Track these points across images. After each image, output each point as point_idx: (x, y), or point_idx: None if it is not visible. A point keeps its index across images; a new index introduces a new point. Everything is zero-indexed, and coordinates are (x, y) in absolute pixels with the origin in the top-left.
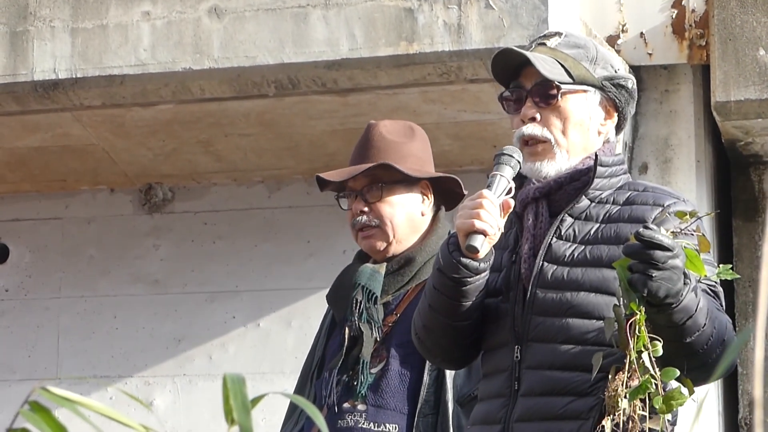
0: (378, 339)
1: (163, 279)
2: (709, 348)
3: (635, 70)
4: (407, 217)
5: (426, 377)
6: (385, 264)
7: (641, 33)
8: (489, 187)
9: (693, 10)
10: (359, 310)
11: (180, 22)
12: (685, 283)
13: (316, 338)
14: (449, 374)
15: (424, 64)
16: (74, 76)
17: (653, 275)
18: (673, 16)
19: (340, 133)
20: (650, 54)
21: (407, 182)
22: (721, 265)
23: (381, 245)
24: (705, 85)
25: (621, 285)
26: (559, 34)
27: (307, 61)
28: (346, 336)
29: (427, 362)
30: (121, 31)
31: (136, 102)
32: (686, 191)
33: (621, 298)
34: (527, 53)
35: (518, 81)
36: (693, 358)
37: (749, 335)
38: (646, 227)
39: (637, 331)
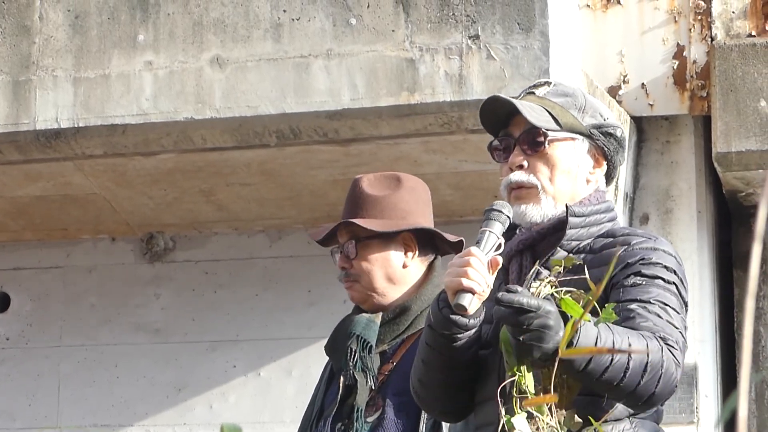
0: (373, 388)
1: (163, 328)
2: (628, 379)
3: (636, 120)
4: (384, 271)
5: (422, 426)
6: (381, 313)
7: (642, 84)
8: (477, 243)
9: (694, 62)
10: (354, 359)
11: (182, 72)
12: (577, 331)
13: (316, 388)
14: (446, 423)
15: (425, 115)
16: (76, 126)
17: (521, 338)
18: (675, 67)
19: (341, 183)
20: (651, 105)
21: (384, 236)
22: (605, 307)
23: (360, 297)
24: (706, 136)
25: (501, 347)
26: (547, 83)
27: (308, 111)
28: (341, 385)
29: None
30: (123, 80)
31: (138, 151)
32: (687, 242)
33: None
34: (514, 101)
35: (507, 130)
36: (615, 392)
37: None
38: (508, 290)
39: (517, 392)
